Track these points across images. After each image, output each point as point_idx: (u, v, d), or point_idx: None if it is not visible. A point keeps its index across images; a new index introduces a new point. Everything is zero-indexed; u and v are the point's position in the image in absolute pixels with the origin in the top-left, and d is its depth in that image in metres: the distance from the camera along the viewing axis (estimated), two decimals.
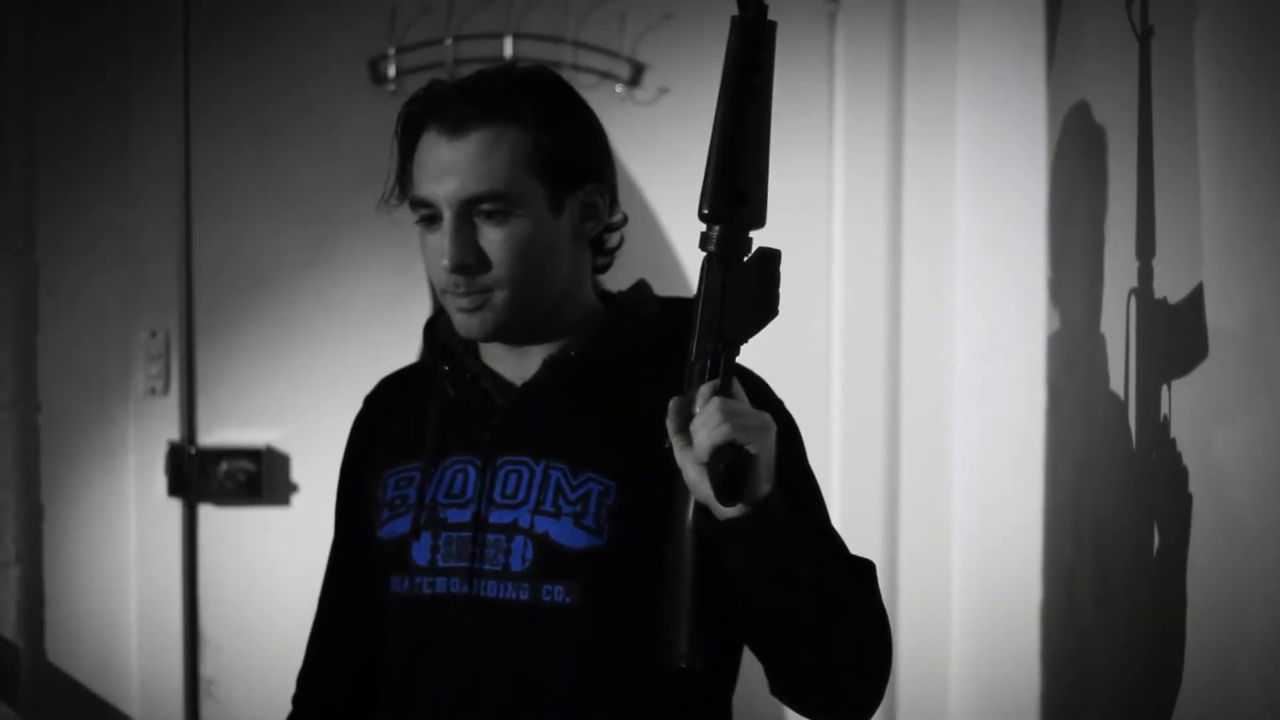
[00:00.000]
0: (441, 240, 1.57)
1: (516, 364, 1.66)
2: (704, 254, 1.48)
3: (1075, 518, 2.00)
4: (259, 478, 2.75)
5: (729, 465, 1.38)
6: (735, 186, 1.46)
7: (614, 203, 1.67)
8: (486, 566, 1.59)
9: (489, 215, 1.56)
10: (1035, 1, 2.22)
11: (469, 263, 1.56)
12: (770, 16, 1.45)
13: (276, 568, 2.77)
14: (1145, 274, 1.68)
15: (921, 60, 2.74)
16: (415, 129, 1.61)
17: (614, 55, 2.75)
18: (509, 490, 1.61)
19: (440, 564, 1.62)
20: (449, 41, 2.73)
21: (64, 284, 2.73)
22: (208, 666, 2.78)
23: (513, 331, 1.62)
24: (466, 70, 2.72)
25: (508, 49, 2.72)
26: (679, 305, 1.66)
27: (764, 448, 1.41)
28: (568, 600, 1.57)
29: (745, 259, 1.46)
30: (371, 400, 1.86)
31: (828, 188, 2.77)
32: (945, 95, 2.73)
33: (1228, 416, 1.48)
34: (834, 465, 2.75)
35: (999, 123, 2.50)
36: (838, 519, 2.73)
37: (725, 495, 1.39)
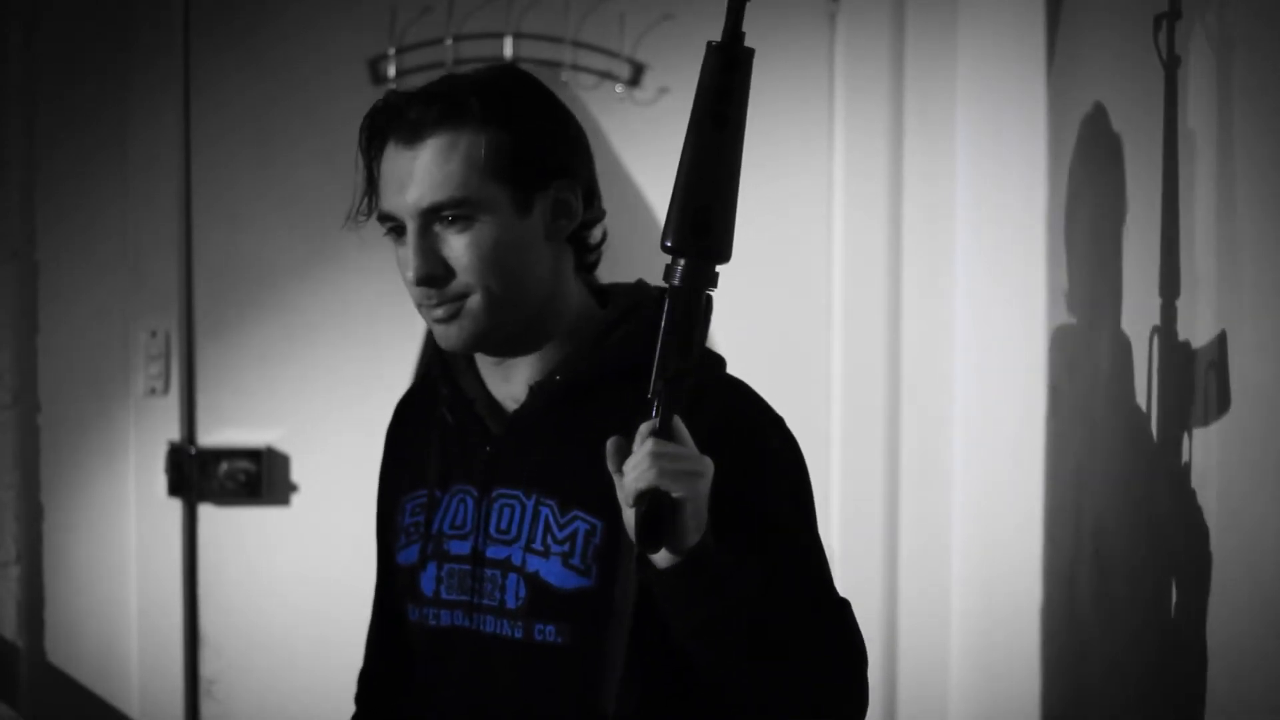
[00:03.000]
0: (407, 253, 1.54)
1: (508, 384, 1.62)
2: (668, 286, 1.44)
3: (1075, 518, 2.00)
4: (259, 478, 2.75)
5: (646, 511, 1.35)
6: (700, 219, 1.43)
7: (591, 197, 1.62)
8: (485, 601, 1.58)
9: (451, 222, 1.53)
10: (1035, 1, 2.22)
11: (434, 273, 1.52)
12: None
13: (276, 568, 2.77)
14: (1145, 272, 1.69)
15: (921, 60, 2.74)
16: (379, 141, 1.59)
17: (614, 55, 2.75)
18: (503, 525, 1.59)
19: (444, 596, 1.61)
20: (449, 41, 2.73)
21: (64, 284, 2.73)
22: (208, 666, 2.78)
23: (494, 339, 1.58)
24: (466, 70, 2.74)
25: (508, 49, 2.72)
26: None
27: (693, 494, 1.37)
28: (559, 640, 1.55)
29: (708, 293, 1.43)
30: (395, 415, 1.82)
31: (828, 188, 2.77)
32: (945, 95, 2.73)
33: (1227, 415, 1.48)
34: (834, 465, 2.75)
35: (999, 123, 2.50)
36: (837, 520, 2.76)
37: (643, 542, 1.36)
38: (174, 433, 2.75)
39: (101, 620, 2.76)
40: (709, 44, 1.43)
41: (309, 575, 2.77)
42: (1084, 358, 1.96)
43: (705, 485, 1.38)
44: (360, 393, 2.74)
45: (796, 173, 2.77)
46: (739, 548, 1.44)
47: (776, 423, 1.60)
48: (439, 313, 1.55)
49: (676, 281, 1.43)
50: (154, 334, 2.74)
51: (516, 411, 1.60)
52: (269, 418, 2.77)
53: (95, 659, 2.75)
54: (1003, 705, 2.41)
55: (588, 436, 1.50)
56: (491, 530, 1.59)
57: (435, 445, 1.66)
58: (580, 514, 1.55)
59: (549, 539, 1.55)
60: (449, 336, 1.56)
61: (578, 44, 2.74)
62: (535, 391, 1.58)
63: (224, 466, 2.75)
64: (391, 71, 2.73)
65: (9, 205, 2.68)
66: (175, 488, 2.75)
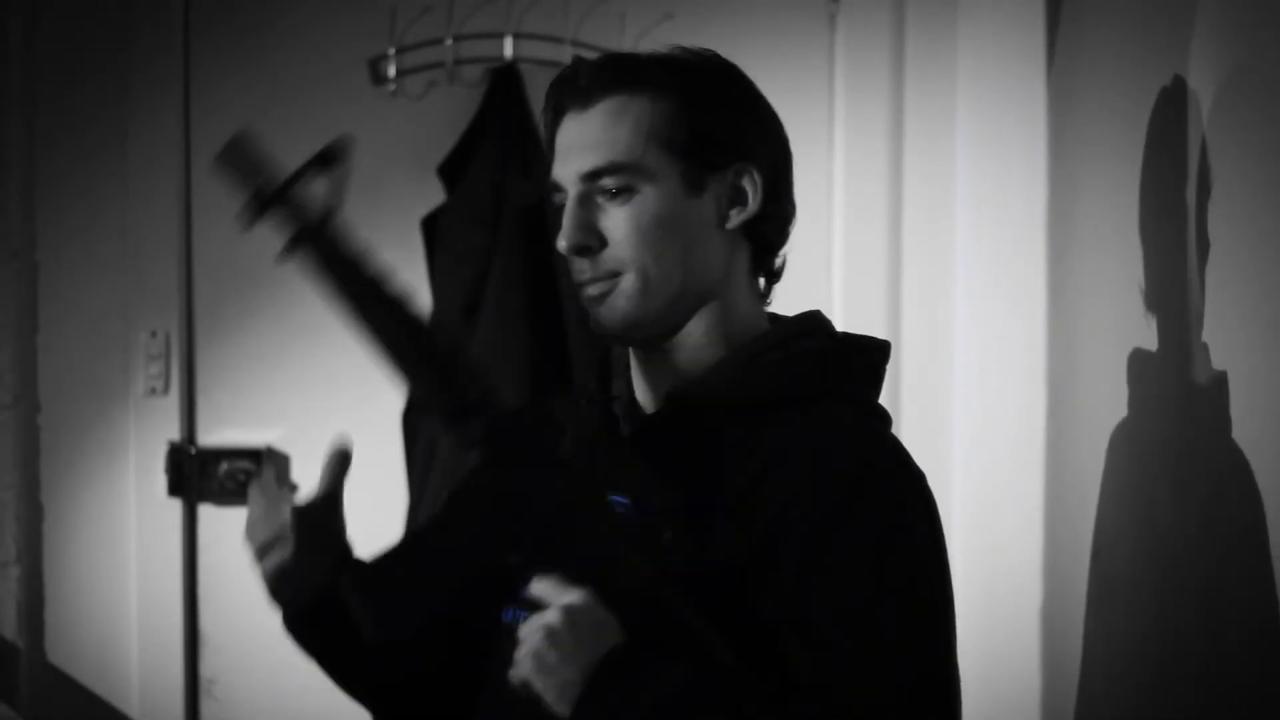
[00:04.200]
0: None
1: (654, 385, 1.48)
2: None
3: (1075, 518, 2.00)
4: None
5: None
6: (456, 401, 1.34)
7: (776, 191, 1.53)
8: None
9: (613, 193, 1.41)
10: (1035, 1, 2.22)
11: (585, 244, 1.41)
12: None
13: None
14: (1144, 273, 1.69)
15: (921, 60, 2.74)
16: (555, 112, 1.46)
17: None
18: None
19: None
20: (449, 41, 2.73)
21: (64, 284, 2.73)
22: (208, 666, 2.78)
23: (647, 329, 1.44)
24: (466, 70, 2.73)
25: (508, 49, 2.72)
26: (848, 343, 1.53)
27: (548, 689, 1.29)
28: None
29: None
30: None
31: (828, 188, 2.77)
32: (945, 95, 2.73)
33: (1228, 415, 1.48)
34: None
35: (999, 123, 2.50)
36: None
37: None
38: (174, 433, 2.75)
39: (101, 620, 2.76)
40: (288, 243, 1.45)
41: None
42: (1083, 357, 1.96)
43: (564, 679, 1.29)
44: (360, 393, 2.73)
45: (797, 172, 2.76)
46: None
47: (890, 480, 1.38)
48: (592, 290, 1.42)
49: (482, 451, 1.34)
50: (154, 334, 2.74)
51: (648, 416, 1.48)
52: (269, 418, 2.77)
53: (95, 659, 2.75)
54: (1003, 705, 2.41)
55: (702, 458, 1.40)
56: None
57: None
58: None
59: None
60: (599, 319, 1.43)
61: (578, 44, 2.74)
62: (670, 398, 1.44)
63: (224, 466, 2.75)
64: (391, 71, 2.73)
65: (9, 205, 2.68)
66: (175, 488, 2.75)
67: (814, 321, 1.55)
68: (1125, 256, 1.74)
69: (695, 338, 1.46)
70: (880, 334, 2.76)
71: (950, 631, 1.38)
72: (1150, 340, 1.68)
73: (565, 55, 2.73)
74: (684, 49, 1.47)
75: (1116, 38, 1.83)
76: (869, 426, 1.46)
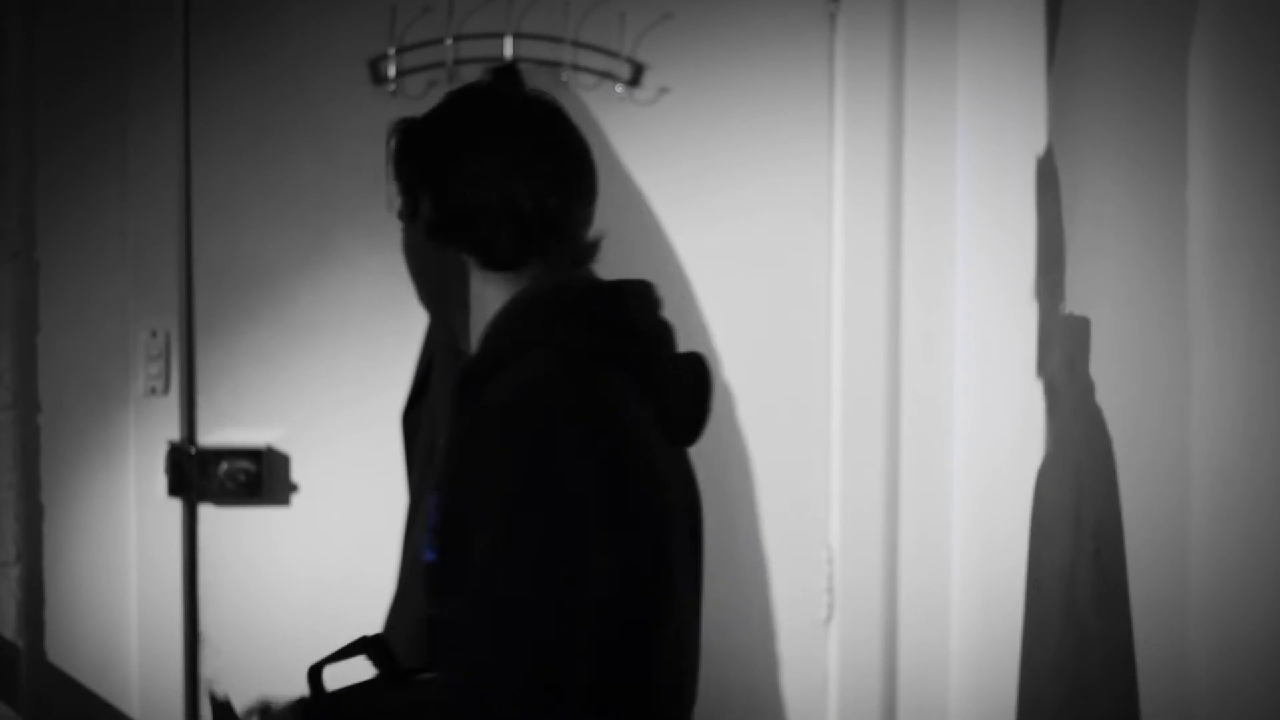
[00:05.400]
0: None
1: None
2: None
3: (1075, 518, 2.00)
4: (259, 478, 2.75)
5: None
6: None
7: (443, 198, 1.71)
8: None
9: None
10: (1035, 1, 2.22)
11: None
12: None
13: (276, 568, 2.77)
14: (1144, 273, 1.68)
15: (921, 60, 2.74)
16: None
17: (614, 55, 2.74)
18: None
19: None
20: (449, 41, 2.73)
21: (64, 284, 2.73)
22: (208, 666, 2.78)
23: None
24: (466, 70, 2.73)
25: (508, 49, 2.72)
26: (561, 290, 1.68)
27: None
28: (430, 610, 1.68)
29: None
30: None
31: (828, 187, 2.77)
32: (945, 95, 2.73)
33: (1229, 416, 1.48)
34: (834, 465, 2.75)
35: (999, 123, 2.49)
36: (837, 519, 2.76)
37: None
38: (174, 433, 2.75)
39: (101, 620, 2.75)
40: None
41: (309, 575, 2.77)
42: (1083, 357, 1.96)
43: None
44: (360, 393, 2.74)
45: (796, 173, 2.77)
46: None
47: (512, 413, 1.58)
48: None
49: None
50: (154, 334, 2.74)
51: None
52: (269, 418, 2.77)
53: (95, 659, 2.75)
54: (1003, 705, 2.41)
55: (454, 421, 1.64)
56: None
57: None
58: (432, 492, 1.62)
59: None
60: None
61: (578, 44, 2.74)
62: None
63: (224, 466, 2.75)
64: (391, 71, 2.73)
65: (9, 205, 2.68)
66: (175, 488, 2.74)
67: (545, 282, 1.69)
68: (1125, 256, 1.74)
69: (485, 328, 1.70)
70: (880, 334, 2.79)
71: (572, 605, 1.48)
72: (1150, 340, 1.68)
73: (565, 55, 2.73)
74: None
75: (1116, 38, 1.83)
76: (541, 373, 1.59)
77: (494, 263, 1.69)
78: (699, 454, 1.77)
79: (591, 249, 1.73)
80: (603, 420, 1.56)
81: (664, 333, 1.74)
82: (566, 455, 1.50)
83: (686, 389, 1.72)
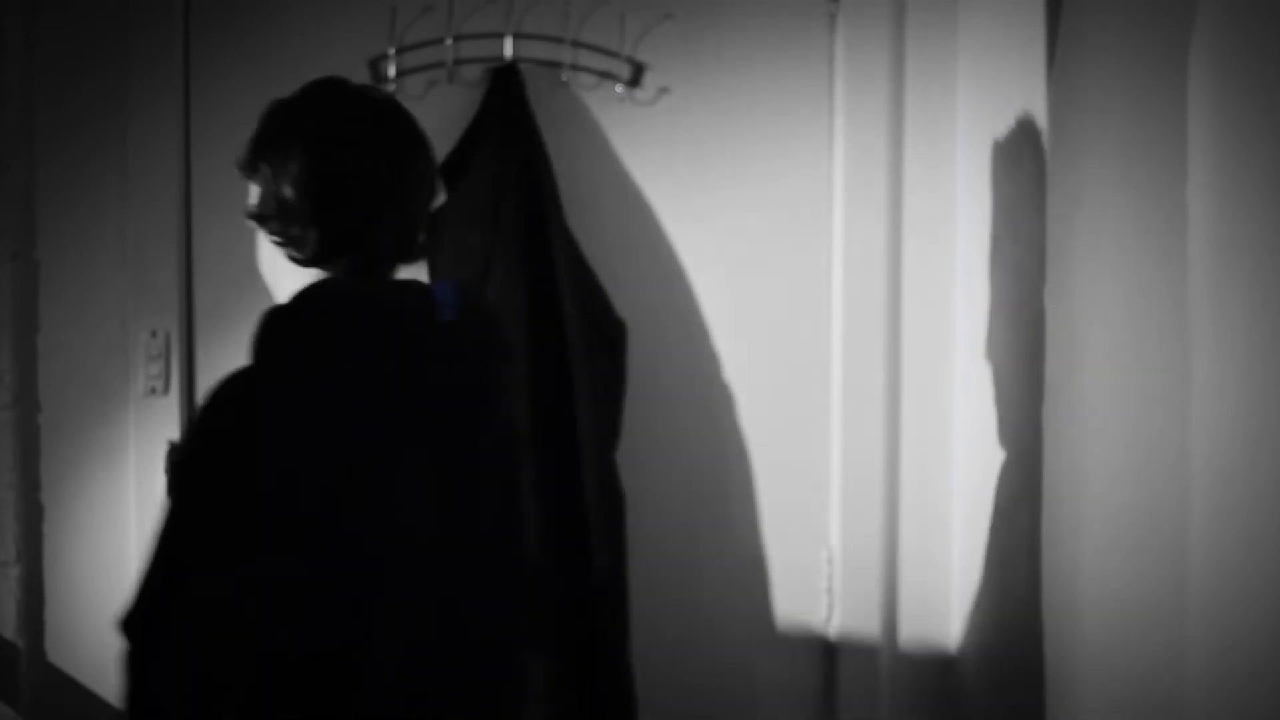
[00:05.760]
0: None
1: None
2: None
3: (1075, 517, 2.00)
4: None
5: None
6: None
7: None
8: None
9: None
10: (1035, 1, 2.22)
11: None
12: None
13: None
14: (1144, 274, 1.68)
15: (921, 60, 2.74)
16: None
17: (614, 55, 2.75)
18: None
19: None
20: (449, 41, 2.73)
21: (64, 284, 2.73)
22: None
23: None
24: (466, 70, 2.73)
25: (508, 49, 2.72)
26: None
27: None
28: None
29: None
30: None
31: (828, 187, 2.77)
32: (945, 95, 2.73)
33: (1229, 416, 1.48)
34: (834, 464, 2.75)
35: (999, 123, 2.50)
36: (837, 519, 2.76)
37: None
38: (174, 433, 2.75)
39: (101, 620, 2.75)
40: None
41: None
42: (1083, 357, 1.96)
43: None
44: None
45: (797, 173, 2.77)
46: None
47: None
48: None
49: None
50: (154, 334, 2.74)
51: None
52: None
53: (95, 659, 2.75)
54: (1003, 705, 2.41)
55: None
56: None
57: None
58: None
59: None
60: None
61: (578, 44, 2.74)
62: None
63: None
64: (391, 71, 2.73)
65: (9, 205, 2.68)
66: None
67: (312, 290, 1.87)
68: (1125, 256, 1.74)
69: None
70: (880, 334, 2.79)
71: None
72: (1149, 339, 1.68)
73: (565, 55, 2.73)
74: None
75: (1116, 38, 1.83)
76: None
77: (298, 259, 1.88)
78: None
79: (404, 251, 1.92)
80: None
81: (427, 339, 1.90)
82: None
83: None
